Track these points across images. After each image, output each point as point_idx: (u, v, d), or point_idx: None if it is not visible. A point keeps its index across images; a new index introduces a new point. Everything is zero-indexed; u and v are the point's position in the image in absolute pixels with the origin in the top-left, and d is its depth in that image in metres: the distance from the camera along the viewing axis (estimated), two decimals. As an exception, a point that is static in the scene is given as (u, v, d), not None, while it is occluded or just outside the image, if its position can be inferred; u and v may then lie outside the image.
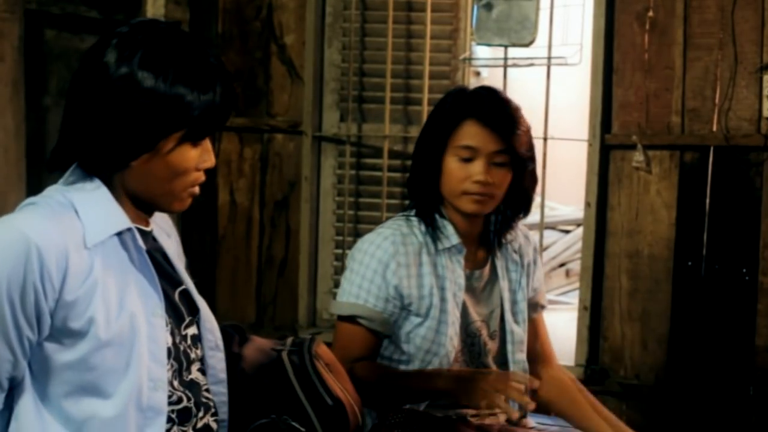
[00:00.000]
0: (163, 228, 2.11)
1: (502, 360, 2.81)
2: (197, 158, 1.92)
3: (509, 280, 2.80)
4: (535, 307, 2.92)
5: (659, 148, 4.70)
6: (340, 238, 5.46)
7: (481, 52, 6.18)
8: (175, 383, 1.96)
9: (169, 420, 1.95)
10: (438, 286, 2.67)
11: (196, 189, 1.97)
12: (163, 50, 1.85)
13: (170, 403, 1.94)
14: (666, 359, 4.72)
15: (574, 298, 6.13)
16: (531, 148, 2.66)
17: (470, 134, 2.59)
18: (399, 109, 5.34)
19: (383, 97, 5.33)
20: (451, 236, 2.68)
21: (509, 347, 2.79)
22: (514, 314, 2.80)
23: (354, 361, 2.63)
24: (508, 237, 2.79)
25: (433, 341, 2.66)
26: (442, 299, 2.67)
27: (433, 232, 2.68)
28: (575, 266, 7.77)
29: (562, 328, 5.62)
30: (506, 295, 2.78)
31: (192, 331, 2.05)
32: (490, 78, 8.14)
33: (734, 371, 4.57)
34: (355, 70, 5.41)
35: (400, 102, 5.35)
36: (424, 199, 2.69)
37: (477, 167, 2.58)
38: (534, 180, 2.71)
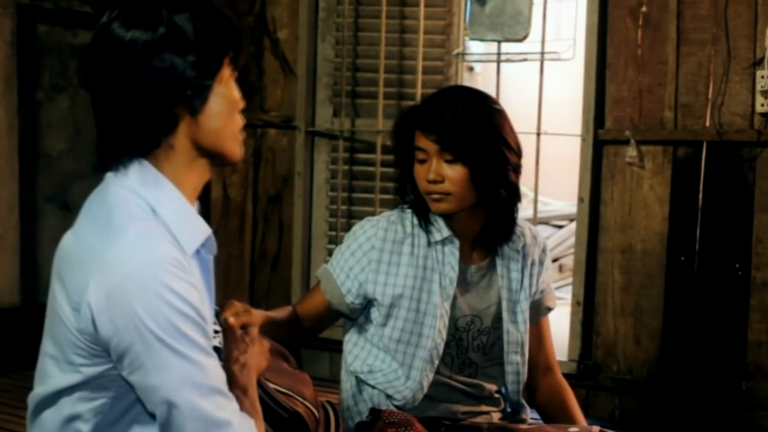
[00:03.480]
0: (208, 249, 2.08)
1: (498, 360, 2.81)
2: (239, 94, 1.95)
3: (509, 279, 2.80)
4: (540, 308, 2.92)
5: (652, 143, 4.71)
6: (333, 233, 5.46)
7: (475, 47, 6.18)
8: None
9: None
10: (420, 277, 2.68)
11: (244, 134, 1.98)
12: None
13: None
14: (659, 354, 4.73)
15: (567, 293, 6.12)
16: (491, 144, 2.62)
17: (417, 138, 2.67)
18: (392, 104, 5.34)
19: (376, 92, 5.33)
20: (442, 229, 2.70)
21: (505, 347, 2.79)
22: (513, 314, 2.79)
23: (303, 314, 2.79)
24: (512, 235, 2.79)
25: (412, 332, 2.68)
26: (428, 291, 2.68)
27: (426, 225, 2.71)
28: (568, 261, 7.77)
29: (555, 323, 5.58)
30: (504, 294, 2.78)
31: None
32: (484, 73, 8.15)
33: (727, 366, 4.58)
34: (348, 65, 5.41)
35: (394, 97, 5.35)
36: (414, 200, 2.75)
37: (426, 167, 2.65)
38: (502, 171, 2.65)
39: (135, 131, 1.82)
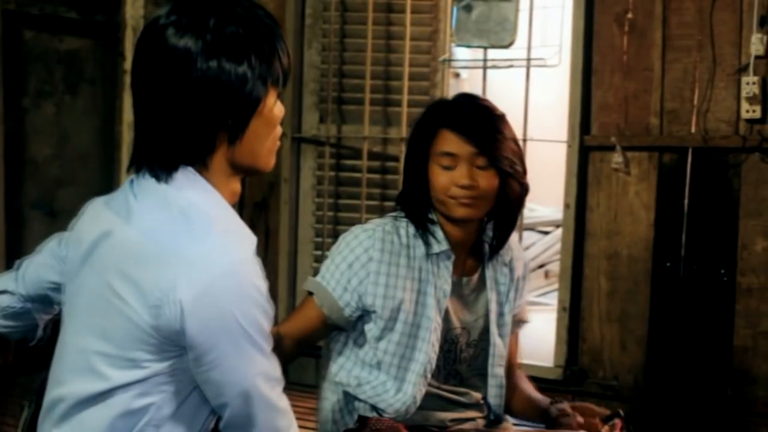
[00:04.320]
0: None
1: (480, 371, 2.80)
2: (282, 106, 1.96)
3: (498, 292, 2.79)
4: (518, 323, 2.92)
5: (638, 149, 4.71)
6: (320, 239, 5.46)
7: (461, 53, 6.18)
8: None
9: None
10: (415, 290, 2.66)
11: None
12: (229, 17, 1.84)
13: None
14: (645, 360, 4.73)
15: (553, 300, 6.13)
16: (515, 154, 2.65)
17: (447, 142, 2.60)
18: (378, 111, 5.34)
19: (363, 98, 5.33)
20: (441, 241, 2.67)
21: (490, 360, 2.78)
22: (500, 326, 2.79)
23: (289, 329, 2.69)
24: (502, 249, 2.79)
25: (407, 346, 2.65)
26: (422, 304, 2.66)
27: (424, 235, 2.67)
28: (554, 267, 7.77)
29: (541, 329, 5.61)
30: (493, 307, 2.77)
31: None
32: (470, 79, 8.15)
33: (713, 372, 4.58)
34: (334, 71, 5.41)
35: (380, 103, 5.35)
36: (415, 209, 2.69)
37: (460, 172, 2.59)
38: (524, 188, 2.69)
39: (181, 141, 1.84)
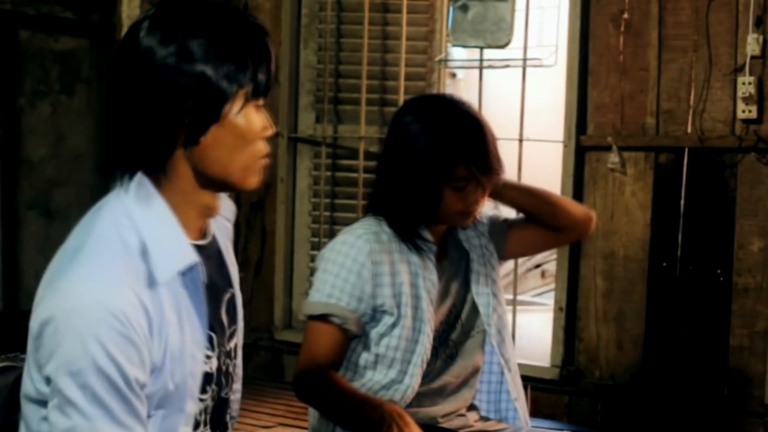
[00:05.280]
0: (224, 214, 2.03)
1: (470, 360, 2.82)
2: (263, 123, 1.86)
3: (477, 253, 2.83)
4: (504, 223, 2.94)
5: (634, 149, 4.72)
6: (316, 239, 5.46)
7: (457, 53, 6.18)
8: (204, 412, 1.91)
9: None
10: (410, 283, 2.68)
11: (266, 161, 1.89)
12: (202, 20, 1.78)
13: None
14: (641, 360, 4.74)
15: (549, 299, 6.13)
16: (501, 160, 2.73)
17: (463, 171, 2.62)
18: (375, 111, 5.35)
19: (359, 98, 5.34)
20: (428, 239, 2.70)
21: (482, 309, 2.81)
22: (484, 282, 2.82)
23: (322, 361, 2.64)
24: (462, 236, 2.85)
25: (410, 339, 2.67)
26: (416, 297, 2.68)
27: (414, 234, 2.70)
28: (551, 267, 7.77)
29: (538, 329, 5.63)
30: (475, 267, 2.81)
31: (234, 342, 1.99)
32: (466, 79, 8.14)
33: (709, 371, 4.59)
34: (330, 71, 5.41)
35: (376, 103, 5.35)
36: (408, 223, 2.69)
37: (472, 191, 2.65)
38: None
39: (137, 142, 1.77)
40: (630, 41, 4.72)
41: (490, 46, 5.00)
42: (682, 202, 4.62)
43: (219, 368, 1.91)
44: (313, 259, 5.45)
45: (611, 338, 4.80)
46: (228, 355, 1.95)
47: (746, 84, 4.41)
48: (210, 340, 1.87)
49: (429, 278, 2.70)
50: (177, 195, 1.81)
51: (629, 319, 4.76)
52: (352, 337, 2.69)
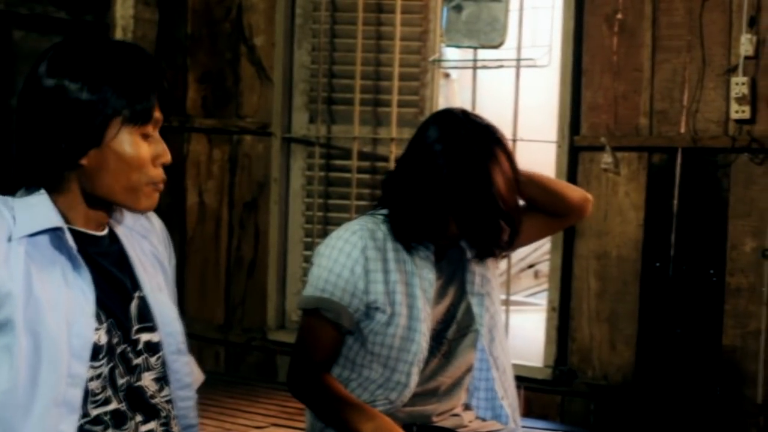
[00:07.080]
0: (137, 230, 2.12)
1: (463, 359, 2.82)
2: (151, 151, 1.95)
3: (473, 272, 2.82)
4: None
5: (627, 149, 4.72)
6: (309, 239, 5.46)
7: (451, 53, 6.19)
8: (106, 384, 1.95)
9: (101, 422, 1.93)
10: (405, 282, 2.67)
11: (160, 185, 1.98)
12: (87, 52, 1.94)
13: (97, 404, 1.93)
14: (634, 360, 4.74)
15: (542, 299, 6.14)
16: None
17: None
18: (368, 111, 5.35)
19: (353, 98, 5.34)
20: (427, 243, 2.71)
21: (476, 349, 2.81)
22: (480, 303, 2.81)
23: (316, 357, 2.65)
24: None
25: (405, 338, 2.67)
26: (411, 296, 2.67)
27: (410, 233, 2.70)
28: (544, 267, 7.78)
29: (531, 329, 5.64)
30: (470, 288, 2.79)
31: (147, 338, 2.03)
32: (460, 80, 8.15)
33: (702, 371, 4.59)
34: (324, 71, 5.41)
35: (370, 103, 5.35)
36: (417, 235, 2.69)
37: None
38: None
39: (28, 161, 1.96)
40: (624, 41, 4.73)
41: (483, 47, 5.00)
42: (676, 202, 4.63)
43: (111, 347, 1.96)
44: (306, 259, 5.45)
45: (604, 338, 4.81)
46: (133, 345, 2.01)
47: (739, 84, 4.42)
48: (97, 314, 1.94)
49: (426, 277, 2.70)
50: (66, 205, 1.96)
51: (622, 319, 4.76)
52: (346, 332, 2.69)
